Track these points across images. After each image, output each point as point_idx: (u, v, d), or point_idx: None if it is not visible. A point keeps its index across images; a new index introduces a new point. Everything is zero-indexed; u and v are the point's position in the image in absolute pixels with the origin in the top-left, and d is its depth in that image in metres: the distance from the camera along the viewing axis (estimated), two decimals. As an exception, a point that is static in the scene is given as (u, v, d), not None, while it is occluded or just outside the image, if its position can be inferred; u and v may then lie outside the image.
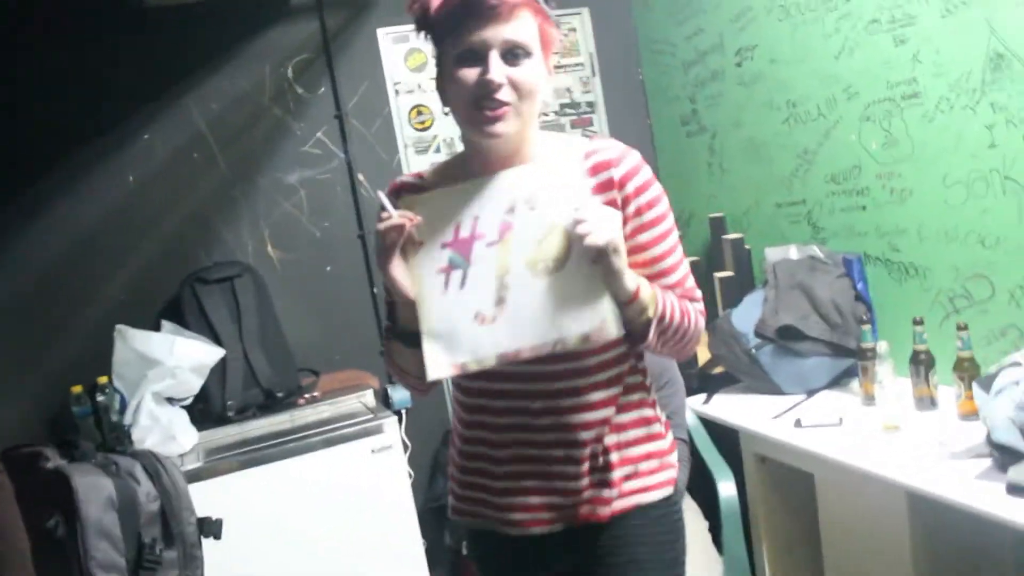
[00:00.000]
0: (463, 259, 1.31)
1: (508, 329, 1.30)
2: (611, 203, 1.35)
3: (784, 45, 2.78)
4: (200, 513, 2.05)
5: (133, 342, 2.67)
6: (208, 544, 2.05)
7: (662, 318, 1.35)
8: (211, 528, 2.03)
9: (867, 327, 2.39)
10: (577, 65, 3.51)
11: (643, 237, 1.40)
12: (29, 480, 1.92)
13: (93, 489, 1.85)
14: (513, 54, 1.32)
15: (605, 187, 1.37)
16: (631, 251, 1.38)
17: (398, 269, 1.33)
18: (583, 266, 1.27)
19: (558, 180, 1.31)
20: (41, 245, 2.88)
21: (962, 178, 2.26)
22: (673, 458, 1.50)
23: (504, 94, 1.31)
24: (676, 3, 3.27)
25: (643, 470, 1.45)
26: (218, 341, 2.79)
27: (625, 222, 1.37)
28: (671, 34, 3.35)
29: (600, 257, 1.25)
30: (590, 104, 3.52)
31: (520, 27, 1.33)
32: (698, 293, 1.47)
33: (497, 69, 1.30)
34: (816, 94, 2.69)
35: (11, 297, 2.85)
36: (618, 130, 3.50)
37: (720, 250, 3.01)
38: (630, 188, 1.38)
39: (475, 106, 1.31)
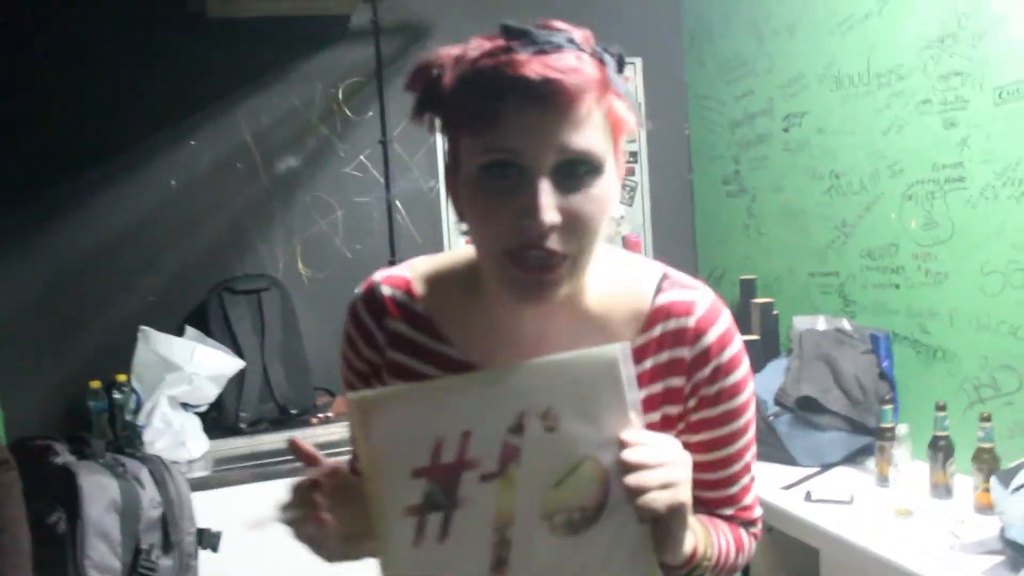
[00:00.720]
0: (445, 497, 0.88)
1: None
2: (674, 392, 1.00)
3: (833, 115, 2.77)
4: (201, 522, 2.05)
5: (155, 345, 2.69)
6: (205, 555, 2.04)
7: (717, 572, 1.02)
8: (210, 540, 2.03)
9: (888, 407, 2.35)
10: (624, 114, 3.52)
11: (708, 435, 1.02)
12: (37, 473, 1.93)
13: (98, 489, 1.86)
14: (573, 172, 0.86)
15: (670, 371, 0.99)
16: (690, 448, 0.97)
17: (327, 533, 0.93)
18: (625, 524, 0.87)
19: (598, 380, 0.88)
20: (78, 238, 2.92)
21: (1000, 267, 2.23)
22: None
23: (557, 241, 0.86)
24: (729, 63, 3.28)
25: None
26: (239, 352, 2.81)
27: (689, 411, 1.01)
28: (721, 92, 3.35)
29: (655, 520, 0.86)
30: (633, 154, 3.52)
31: (588, 125, 0.87)
32: (757, 512, 1.11)
33: (549, 203, 0.85)
34: (861, 167, 2.67)
35: (43, 286, 2.90)
36: (659, 182, 3.51)
37: (748, 313, 2.99)
38: (706, 370, 0.99)
39: (509, 255, 0.87)
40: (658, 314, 1.00)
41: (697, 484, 0.99)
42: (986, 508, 2.07)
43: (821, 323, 2.72)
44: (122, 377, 2.77)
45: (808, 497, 2.26)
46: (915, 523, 2.08)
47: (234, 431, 2.78)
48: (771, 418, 2.54)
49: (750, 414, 1.05)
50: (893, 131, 2.54)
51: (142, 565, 1.86)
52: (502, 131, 0.85)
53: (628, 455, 0.85)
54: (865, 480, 2.39)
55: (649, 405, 0.98)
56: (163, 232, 3.01)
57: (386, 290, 1.04)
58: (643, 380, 0.98)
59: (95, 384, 2.76)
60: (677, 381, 1.00)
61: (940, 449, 2.20)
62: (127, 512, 1.87)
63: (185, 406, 2.71)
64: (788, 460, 2.52)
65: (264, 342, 2.86)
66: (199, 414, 2.76)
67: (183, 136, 3.03)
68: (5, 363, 2.85)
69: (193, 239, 3.04)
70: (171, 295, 3.00)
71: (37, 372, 2.89)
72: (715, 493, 1.06)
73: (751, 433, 1.06)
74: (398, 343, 1.03)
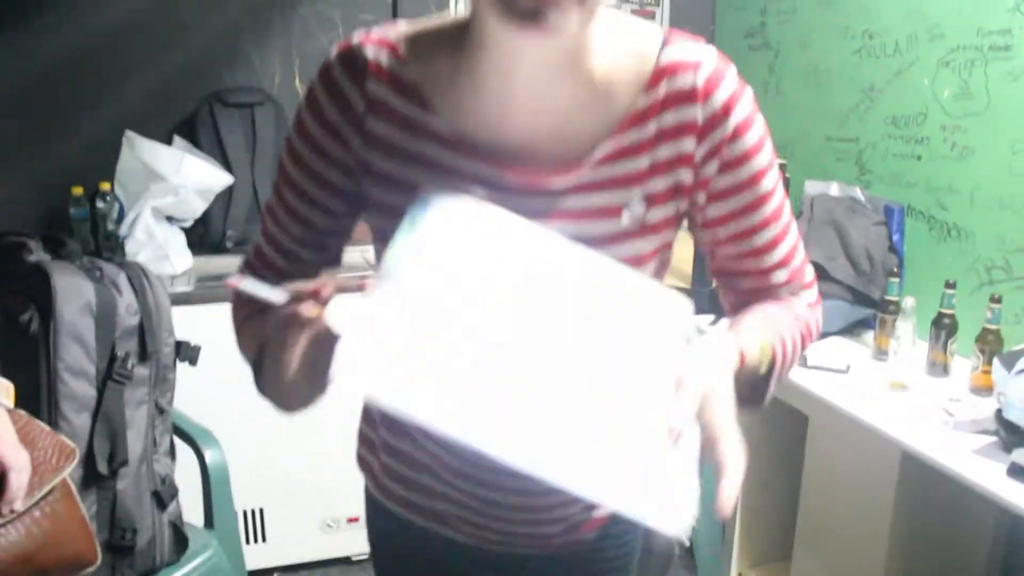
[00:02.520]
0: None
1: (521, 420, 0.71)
2: (684, 158, 0.91)
3: (874, -31, 2.59)
4: (182, 338, 1.99)
5: (141, 152, 2.57)
6: (183, 369, 1.99)
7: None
8: (188, 353, 1.97)
9: (895, 280, 2.28)
10: (650, -48, 3.31)
11: (733, 202, 0.93)
12: (9, 269, 1.84)
13: (73, 290, 1.78)
14: None
15: (678, 132, 0.90)
16: (713, 222, 0.94)
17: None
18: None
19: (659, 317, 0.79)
20: (64, 35, 2.73)
21: (1032, 146, 2.12)
22: None
23: None
24: (768, -96, 3.05)
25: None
26: (228, 167, 2.69)
27: (711, 178, 0.92)
28: (755, -63, 3.14)
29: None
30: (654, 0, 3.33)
31: None
32: (810, 273, 1.03)
33: None
34: (897, 28, 2.51)
35: (26, 84, 2.73)
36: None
37: (759, 174, 2.88)
38: (725, 130, 0.89)
39: None
40: (662, 72, 0.90)
41: (742, 255, 0.96)
42: (982, 390, 2.04)
43: (834, 189, 2.62)
44: (106, 186, 2.66)
45: (803, 362, 2.22)
46: (909, 397, 2.05)
47: (219, 249, 2.70)
48: (772, 281, 2.47)
49: (776, 173, 0.95)
50: (938, -9, 2.38)
51: (117, 372, 1.80)
52: None
53: (685, 384, 0.74)
54: (862, 352, 2.34)
55: (656, 171, 0.91)
56: (153, 34, 2.82)
57: (370, 51, 0.91)
58: (648, 146, 0.90)
59: (77, 191, 2.65)
60: (688, 144, 0.90)
61: (944, 327, 2.14)
62: (102, 317, 1.79)
63: (170, 220, 2.61)
64: (784, 326, 2.47)
65: (255, 159, 2.74)
66: (184, 229, 2.67)
67: (178, -69, 2.82)
68: (-17, 164, 2.73)
69: (185, 46, 2.86)
70: (160, 102, 2.84)
71: (17, 175, 2.76)
72: (762, 261, 0.97)
73: (781, 192, 0.97)
74: (381, 111, 0.91)
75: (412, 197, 0.84)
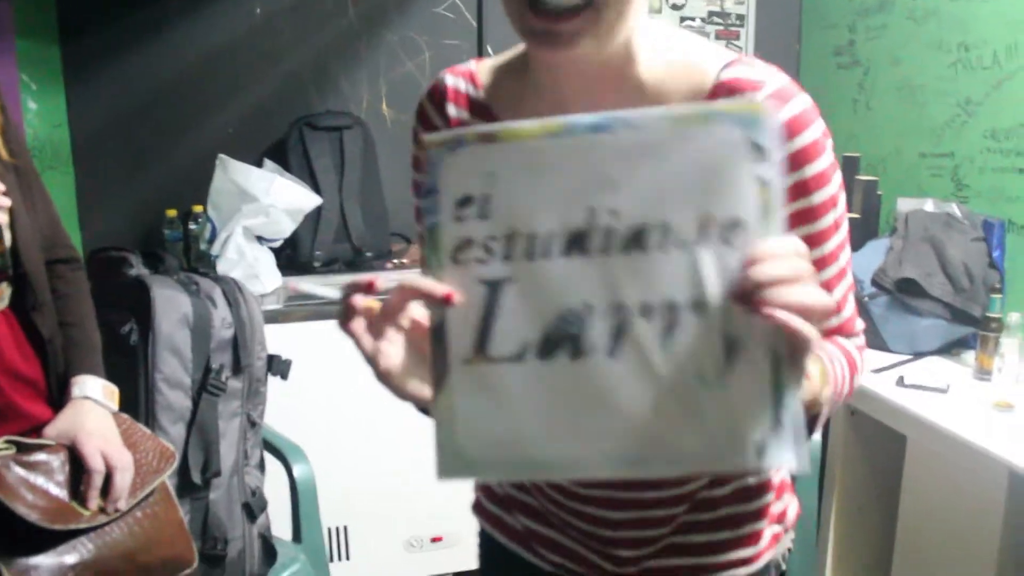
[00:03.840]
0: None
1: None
2: None
3: (969, -20, 2.53)
4: (272, 351, 2.02)
5: (233, 173, 2.63)
6: (274, 383, 2.02)
7: (834, 403, 0.90)
8: (280, 367, 2.00)
9: (997, 296, 2.20)
10: (734, -28, 3.29)
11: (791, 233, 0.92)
12: (111, 283, 1.90)
13: (171, 303, 1.83)
14: None
15: None
16: None
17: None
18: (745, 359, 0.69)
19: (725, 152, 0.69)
20: (160, 64, 2.84)
21: None
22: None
23: None
24: (856, -80, 3.01)
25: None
26: (317, 189, 2.74)
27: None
28: (843, -46, 3.09)
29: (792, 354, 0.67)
30: (740, 17, 3.30)
31: None
32: (859, 324, 1.00)
33: None
34: (995, 39, 2.44)
35: (124, 111, 2.84)
36: (764, 51, 3.28)
37: (850, 191, 2.81)
38: (786, 151, 0.84)
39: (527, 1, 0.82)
40: (721, 89, 0.88)
41: None
42: (1095, 409, 1.94)
43: (929, 205, 2.54)
44: (199, 208, 2.73)
45: (900, 382, 2.14)
46: (1015, 417, 1.96)
47: (308, 269, 2.74)
48: (866, 299, 2.40)
49: (840, 211, 0.92)
50: (1038, -1, 2.30)
51: (212, 383, 1.83)
52: None
53: (760, 268, 0.65)
54: (962, 372, 2.25)
55: None
56: (245, 62, 2.91)
57: (449, 80, 1.02)
58: None
59: (171, 213, 2.72)
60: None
61: (1051, 345, 2.05)
62: (198, 329, 1.83)
63: (260, 240, 2.67)
64: (879, 345, 2.39)
65: (343, 181, 2.78)
66: (273, 250, 2.72)
67: (270, -36, 2.90)
68: (84, 187, 2.83)
69: (275, 72, 2.94)
70: (251, 128, 2.92)
71: (115, 197, 2.86)
72: None
73: (843, 233, 0.93)
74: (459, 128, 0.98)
75: None
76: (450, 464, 0.76)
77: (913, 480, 2.09)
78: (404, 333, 0.79)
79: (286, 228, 2.65)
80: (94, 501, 1.40)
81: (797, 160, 0.87)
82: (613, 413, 0.72)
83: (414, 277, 0.75)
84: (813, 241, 0.90)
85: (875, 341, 2.41)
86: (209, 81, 2.89)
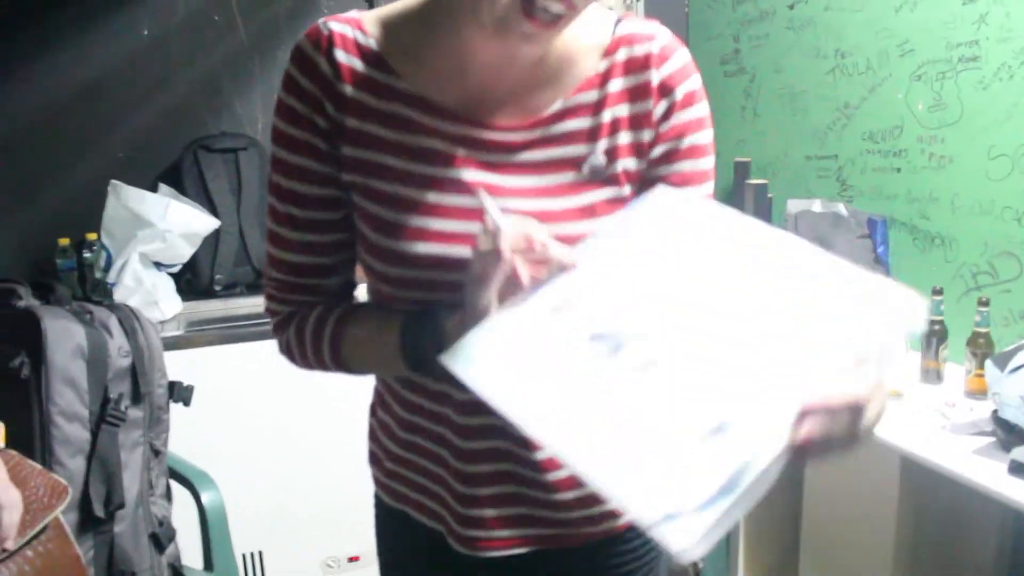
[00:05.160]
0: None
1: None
2: (643, 117, 0.96)
3: (843, -10, 2.64)
4: (174, 379, 1.98)
5: (127, 199, 2.57)
6: (177, 411, 1.98)
7: None
8: (182, 394, 1.96)
9: (883, 291, 2.30)
10: (622, -14, 3.37)
11: (676, 168, 0.99)
12: (-1, 316, 1.84)
13: (63, 334, 1.77)
14: None
15: (636, 94, 0.96)
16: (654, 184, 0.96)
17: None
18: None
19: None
20: (45, 87, 2.76)
21: (1009, 151, 2.15)
22: None
23: None
24: (735, -66, 3.12)
25: None
26: (215, 212, 2.70)
27: (653, 145, 0.97)
28: (725, -34, 3.20)
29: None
30: (629, 29, 3.38)
31: None
32: None
33: None
34: (868, 47, 2.56)
35: (8, 137, 2.74)
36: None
37: (741, 195, 2.91)
38: (676, 96, 0.96)
39: (525, 5, 0.84)
40: (620, 41, 0.98)
41: None
42: (977, 393, 2.04)
43: (817, 206, 2.65)
44: (92, 236, 2.66)
45: (796, 376, 2.22)
46: (904, 405, 2.05)
47: (208, 294, 2.69)
48: (761, 299, 2.48)
49: (713, 160, 1.02)
50: (906, 8, 2.42)
51: (110, 414, 1.78)
52: None
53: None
54: (853, 363, 2.35)
55: (618, 127, 0.97)
56: (135, 85, 2.85)
57: (335, 26, 0.96)
58: (608, 102, 0.97)
59: (64, 241, 2.65)
60: (647, 105, 0.97)
61: (934, 334, 2.16)
62: (94, 359, 1.78)
63: (158, 266, 2.61)
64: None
65: (240, 203, 2.75)
66: (172, 276, 2.67)
67: (157, -16, 2.85)
68: (-32, 217, 2.73)
69: (167, 93, 2.89)
70: (144, 151, 2.86)
71: (2, 227, 2.76)
72: None
73: (712, 182, 1.03)
74: (348, 76, 0.95)
75: (386, 155, 0.93)
76: (460, 356, 0.82)
77: (814, 471, 2.17)
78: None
79: (184, 253, 2.61)
80: (-21, 542, 1.35)
81: (687, 101, 0.98)
82: (612, 421, 0.73)
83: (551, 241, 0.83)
84: (698, 177, 1.00)
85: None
86: (98, 105, 2.82)
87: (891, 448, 1.87)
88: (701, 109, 0.99)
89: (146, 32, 2.84)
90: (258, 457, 2.44)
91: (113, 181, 2.63)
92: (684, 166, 0.99)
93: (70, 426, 1.76)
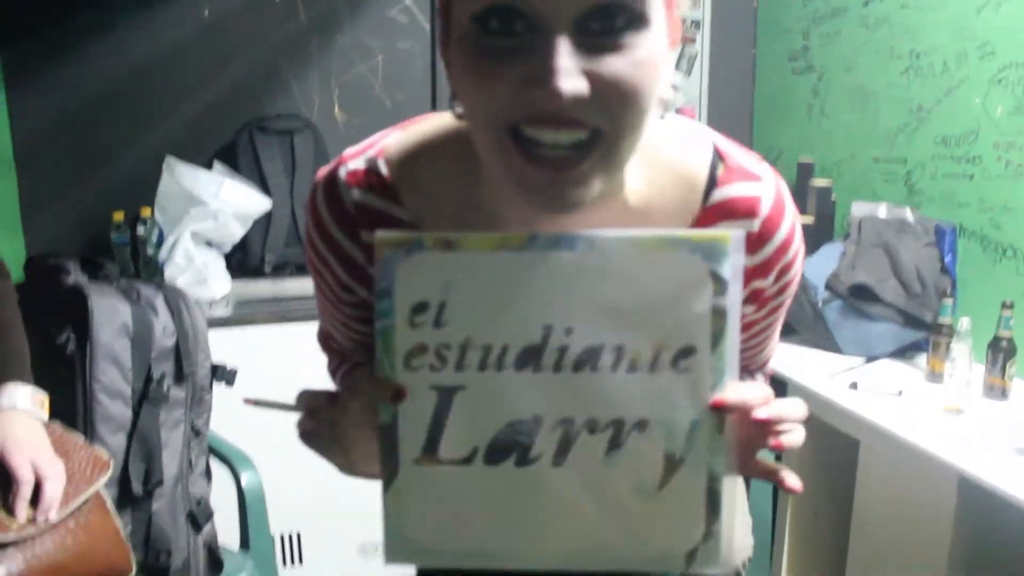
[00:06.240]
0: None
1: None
2: (754, 294, 0.88)
3: (921, -13, 2.54)
4: (219, 360, 1.97)
5: (181, 177, 2.58)
6: (220, 390, 1.97)
7: None
8: (224, 375, 1.95)
9: (949, 301, 2.21)
10: (690, -23, 3.29)
11: (761, 317, 0.92)
12: (48, 292, 1.85)
13: (109, 312, 1.78)
14: (607, 25, 0.64)
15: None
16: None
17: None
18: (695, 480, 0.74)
19: (688, 285, 0.71)
20: (107, 65, 2.76)
21: (1090, 160, 2.05)
22: None
23: (581, 110, 0.64)
24: (810, -74, 3.02)
25: None
26: (267, 192, 2.69)
27: (753, 300, 0.88)
28: (797, -40, 3.11)
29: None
30: (695, 23, 3.29)
31: None
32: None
33: (569, 66, 0.63)
34: (946, 48, 2.46)
35: (69, 113, 2.76)
36: (720, 55, 3.29)
37: (804, 196, 2.82)
38: (771, 277, 0.86)
39: (512, 135, 0.66)
40: (714, 212, 0.81)
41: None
42: (1044, 413, 1.95)
43: (882, 211, 2.56)
44: (146, 211, 2.67)
45: (853, 386, 2.14)
46: (965, 421, 1.97)
47: (258, 273, 2.69)
48: (820, 303, 2.40)
49: (797, 284, 0.93)
50: (989, 8, 2.31)
51: (152, 393, 1.78)
52: None
53: (731, 394, 0.71)
54: (914, 376, 2.26)
55: None
56: (193, 65, 2.85)
57: (356, 195, 0.84)
58: None
59: (118, 216, 2.66)
60: (758, 283, 0.88)
61: (1001, 349, 2.06)
62: (138, 338, 1.78)
63: (209, 244, 2.61)
64: (833, 348, 2.40)
65: (294, 184, 2.74)
66: (223, 255, 2.67)
67: (219, -36, 2.85)
68: (28, 190, 2.75)
69: (225, 74, 2.88)
70: (200, 131, 2.86)
71: (59, 201, 2.78)
72: (752, 358, 1.00)
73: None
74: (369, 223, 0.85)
75: None
76: (398, 550, 0.79)
77: (866, 485, 2.09)
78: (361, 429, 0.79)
79: (236, 232, 2.60)
80: (23, 512, 1.35)
81: (786, 269, 0.87)
82: (556, 516, 0.76)
83: (365, 377, 0.75)
84: (776, 323, 0.95)
85: (828, 345, 2.42)
86: (157, 83, 2.82)
87: (949, 467, 1.79)
88: (794, 272, 0.89)
89: (207, 13, 2.84)
90: (298, 440, 2.43)
91: (169, 157, 2.63)
92: (776, 316, 0.94)
93: (112, 403, 1.76)
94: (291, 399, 0.89)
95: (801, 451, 2.31)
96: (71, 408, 1.73)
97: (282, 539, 2.56)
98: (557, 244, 0.71)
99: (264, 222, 2.68)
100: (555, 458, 0.74)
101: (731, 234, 0.70)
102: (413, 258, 0.72)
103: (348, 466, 0.83)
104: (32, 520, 1.35)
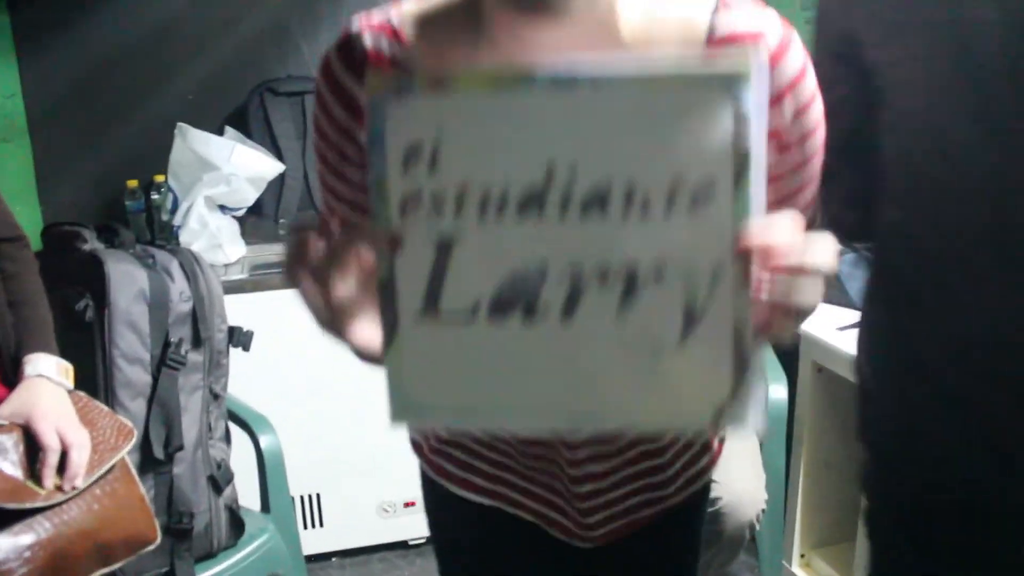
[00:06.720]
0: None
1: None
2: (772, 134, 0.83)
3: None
4: (235, 324, 2.00)
5: (193, 142, 2.59)
6: (237, 354, 2.00)
7: None
8: (241, 339, 1.98)
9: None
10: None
11: (792, 156, 0.86)
12: (65, 259, 1.87)
13: (126, 278, 1.80)
14: None
15: None
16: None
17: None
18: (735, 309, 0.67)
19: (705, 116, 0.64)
20: (114, 30, 2.75)
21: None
22: None
23: None
24: None
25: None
26: (280, 156, 2.70)
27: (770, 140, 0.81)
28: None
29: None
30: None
31: None
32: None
33: None
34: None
35: (81, 79, 2.76)
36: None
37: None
38: (787, 114, 0.83)
39: None
40: (717, 44, 0.79)
41: (775, 202, 0.80)
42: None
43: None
44: (160, 177, 2.69)
45: (866, 338, 2.15)
46: None
47: (272, 237, 2.71)
48: (833, 256, 2.40)
49: (823, 129, 0.88)
50: None
51: (171, 358, 1.81)
52: None
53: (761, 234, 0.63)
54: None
55: None
56: (203, 26, 2.83)
57: (368, 40, 0.87)
58: None
59: (132, 183, 2.68)
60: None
61: None
62: (156, 303, 1.81)
63: (223, 209, 2.63)
64: (845, 302, 2.39)
65: (306, 147, 2.74)
66: (237, 219, 2.69)
67: (227, -76, 2.82)
68: (41, 158, 2.77)
69: (235, 35, 2.87)
70: (211, 95, 2.86)
71: (74, 169, 2.80)
72: (792, 203, 0.89)
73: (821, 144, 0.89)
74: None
75: None
76: (403, 409, 0.77)
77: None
78: (352, 280, 0.74)
79: (249, 196, 2.62)
80: (50, 480, 1.39)
81: (803, 110, 0.84)
82: (566, 375, 0.71)
83: (362, 224, 0.72)
84: (810, 159, 0.88)
85: (841, 298, 2.41)
86: (166, 47, 2.82)
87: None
88: (813, 113, 0.85)
89: (215, -27, 2.83)
90: (317, 401, 2.46)
91: (180, 123, 2.64)
92: (805, 149, 0.88)
93: (132, 369, 1.79)
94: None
95: (814, 404, 2.33)
96: (91, 374, 1.76)
97: (302, 500, 2.60)
98: (560, 81, 0.67)
99: (277, 185, 2.69)
100: (563, 313, 0.69)
101: (750, 58, 0.63)
102: (404, 100, 0.70)
103: (329, 320, 0.77)
104: (59, 487, 1.39)
